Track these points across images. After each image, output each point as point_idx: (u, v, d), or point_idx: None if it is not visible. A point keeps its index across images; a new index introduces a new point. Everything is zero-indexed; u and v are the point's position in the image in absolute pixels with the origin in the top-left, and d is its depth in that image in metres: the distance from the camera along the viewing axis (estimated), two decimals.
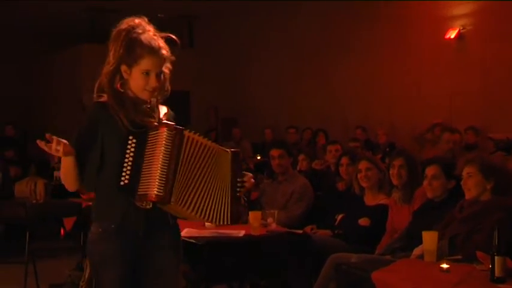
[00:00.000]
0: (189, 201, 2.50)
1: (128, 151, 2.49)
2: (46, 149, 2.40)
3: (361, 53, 10.29)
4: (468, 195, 3.46)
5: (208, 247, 3.87)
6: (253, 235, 4.07)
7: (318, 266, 4.10)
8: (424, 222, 3.69)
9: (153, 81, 2.54)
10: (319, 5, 10.91)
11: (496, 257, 2.74)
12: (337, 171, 5.41)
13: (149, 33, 2.57)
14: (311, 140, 10.00)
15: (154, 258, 2.61)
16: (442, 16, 9.11)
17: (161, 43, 2.58)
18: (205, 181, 2.54)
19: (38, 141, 2.41)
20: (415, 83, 9.48)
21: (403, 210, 4.32)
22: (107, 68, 2.57)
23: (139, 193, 2.47)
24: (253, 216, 4.13)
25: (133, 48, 2.52)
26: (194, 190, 2.51)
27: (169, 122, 2.57)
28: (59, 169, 7.98)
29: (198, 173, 2.53)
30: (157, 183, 2.42)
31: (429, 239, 3.24)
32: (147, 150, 2.49)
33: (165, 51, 2.58)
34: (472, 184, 3.44)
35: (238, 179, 2.61)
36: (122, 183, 2.47)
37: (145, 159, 2.48)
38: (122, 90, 2.57)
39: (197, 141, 2.53)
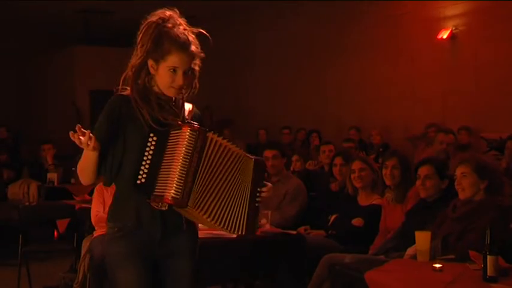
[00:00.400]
0: (206, 207, 2.39)
1: (148, 149, 2.39)
2: (77, 141, 2.32)
3: (354, 54, 10.30)
4: (462, 195, 3.47)
5: (202, 248, 3.85)
6: (246, 236, 4.06)
7: (312, 266, 4.11)
8: (417, 222, 3.70)
9: (179, 79, 2.44)
10: (312, 6, 10.92)
11: (488, 256, 2.75)
12: (330, 172, 5.42)
13: (180, 27, 2.47)
14: (305, 140, 10.00)
15: (170, 262, 2.54)
16: (435, 16, 9.12)
17: (191, 38, 2.47)
18: (225, 187, 2.43)
19: (71, 134, 2.32)
20: (408, 84, 9.49)
21: (396, 210, 4.33)
22: (134, 60, 2.46)
23: (155, 193, 2.37)
24: None
25: (162, 42, 2.41)
26: (213, 195, 2.40)
27: (193, 122, 2.48)
28: (52, 171, 8.00)
29: (219, 178, 2.42)
30: (175, 185, 2.32)
31: (422, 238, 3.25)
32: (167, 149, 2.39)
33: (194, 47, 2.47)
34: (466, 184, 3.44)
35: (258, 189, 2.50)
36: (138, 181, 2.38)
37: (164, 158, 2.38)
38: (148, 85, 2.48)
39: (220, 144, 2.43)
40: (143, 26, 2.47)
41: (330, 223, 4.78)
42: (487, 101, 8.43)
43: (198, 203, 2.37)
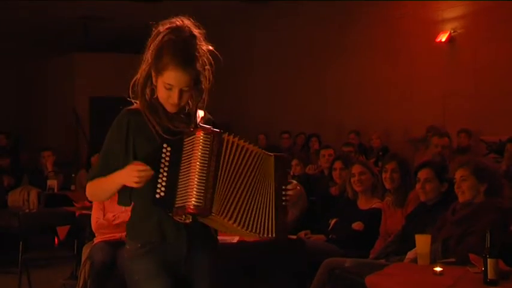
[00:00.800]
0: (230, 212, 2.23)
1: (163, 160, 2.25)
2: (142, 179, 2.21)
3: (353, 57, 10.31)
4: (462, 198, 3.47)
5: None
6: (246, 241, 4.06)
7: (312, 271, 4.10)
8: (417, 225, 3.70)
9: (174, 97, 2.28)
10: (312, 6, 10.93)
11: (488, 259, 2.74)
12: (330, 176, 5.42)
13: (188, 41, 2.29)
14: (304, 145, 10.01)
15: (198, 277, 2.40)
16: (433, 19, 9.14)
17: (199, 54, 2.30)
18: (248, 189, 2.28)
19: (146, 170, 2.22)
20: (407, 87, 9.50)
21: (396, 213, 4.33)
22: (145, 65, 2.32)
23: (176, 206, 2.22)
24: None
25: (161, 55, 2.26)
26: (237, 199, 2.25)
27: (206, 126, 2.34)
28: (52, 178, 7.97)
29: (241, 180, 2.27)
30: (195, 192, 2.17)
31: (422, 242, 3.25)
32: (183, 158, 2.25)
33: (199, 64, 2.30)
34: (465, 187, 3.44)
35: (283, 187, 2.35)
36: (157, 195, 2.24)
37: (181, 168, 2.24)
38: (154, 96, 2.34)
39: (238, 145, 2.29)
40: (154, 32, 2.33)
41: (330, 227, 4.77)
42: (486, 103, 8.43)
43: (223, 209, 2.22)
